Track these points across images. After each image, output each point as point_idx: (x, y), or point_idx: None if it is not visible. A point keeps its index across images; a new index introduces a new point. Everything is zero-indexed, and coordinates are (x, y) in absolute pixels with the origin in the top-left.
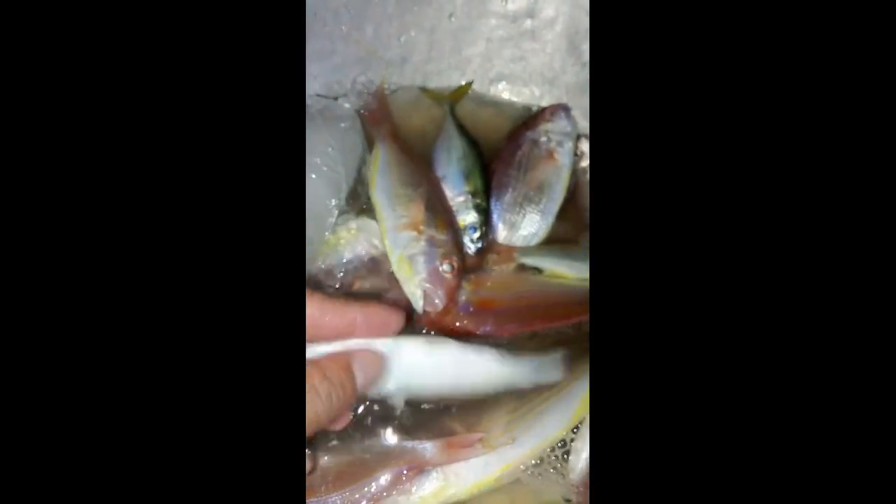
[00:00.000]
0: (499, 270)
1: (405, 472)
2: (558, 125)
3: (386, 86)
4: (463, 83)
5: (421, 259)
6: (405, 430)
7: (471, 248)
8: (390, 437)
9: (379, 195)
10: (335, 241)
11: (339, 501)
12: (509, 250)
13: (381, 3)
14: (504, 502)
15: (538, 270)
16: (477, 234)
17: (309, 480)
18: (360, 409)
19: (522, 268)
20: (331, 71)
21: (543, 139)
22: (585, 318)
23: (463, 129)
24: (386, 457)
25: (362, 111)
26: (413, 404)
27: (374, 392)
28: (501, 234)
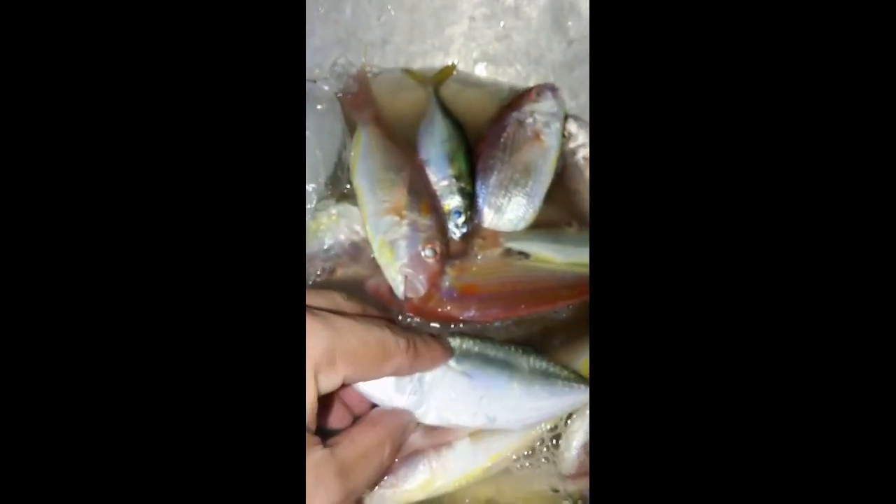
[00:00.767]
0: (484, 256)
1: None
2: (545, 105)
3: (368, 68)
4: (448, 63)
5: (403, 244)
6: None
7: (455, 233)
8: None
9: (360, 180)
10: (315, 227)
11: None
12: (495, 235)
13: None
14: (490, 492)
15: (525, 255)
16: (462, 219)
17: None
18: None
19: (509, 253)
20: (309, 53)
21: (529, 120)
22: (573, 302)
23: (447, 111)
24: None
25: (343, 94)
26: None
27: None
28: (487, 218)
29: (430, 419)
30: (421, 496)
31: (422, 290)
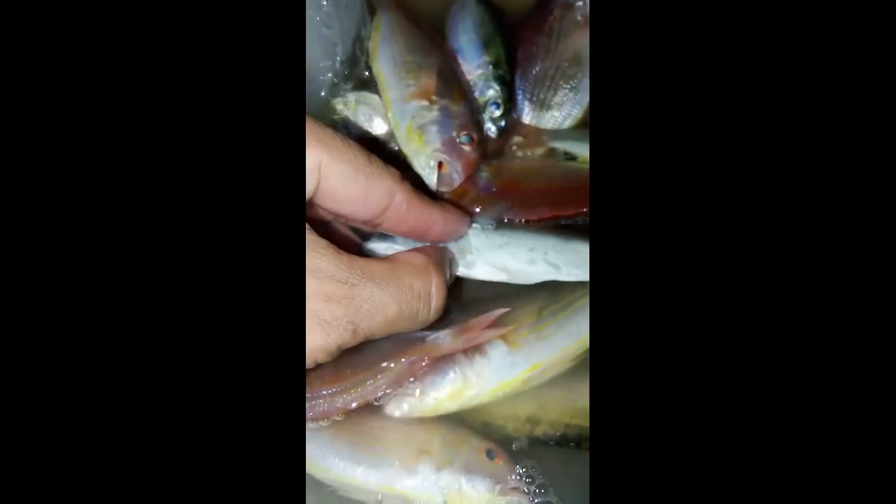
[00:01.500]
0: (525, 156)
1: (412, 363)
2: None
3: None
4: None
5: (434, 128)
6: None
7: (492, 128)
8: None
9: (382, 63)
10: (330, 114)
11: (331, 397)
12: (537, 132)
13: None
14: (530, 408)
15: (571, 157)
16: (499, 112)
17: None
18: None
19: (552, 153)
20: None
21: (580, 3)
22: None
23: None
24: (391, 349)
25: None
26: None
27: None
28: (527, 113)
29: (477, 271)
30: (452, 407)
31: (457, 181)
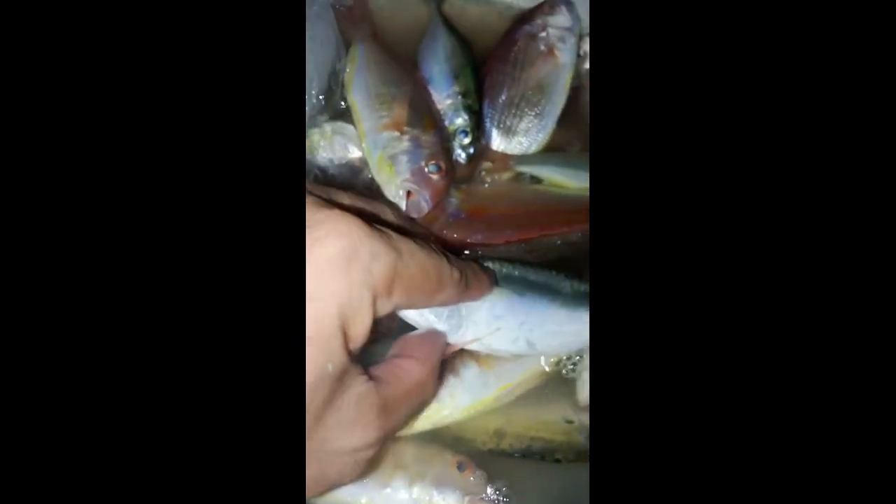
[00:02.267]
0: (493, 181)
1: None
2: (559, 19)
3: None
4: None
5: (404, 158)
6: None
7: (461, 155)
8: None
9: (356, 95)
10: (308, 144)
11: None
12: (504, 158)
13: None
14: (499, 422)
15: (537, 180)
16: (468, 140)
17: None
18: None
19: (519, 177)
20: None
21: (542, 34)
22: (587, 226)
23: (451, 27)
24: None
25: (338, 7)
26: None
27: None
28: (495, 140)
29: (468, 345)
30: (426, 426)
31: (426, 209)
